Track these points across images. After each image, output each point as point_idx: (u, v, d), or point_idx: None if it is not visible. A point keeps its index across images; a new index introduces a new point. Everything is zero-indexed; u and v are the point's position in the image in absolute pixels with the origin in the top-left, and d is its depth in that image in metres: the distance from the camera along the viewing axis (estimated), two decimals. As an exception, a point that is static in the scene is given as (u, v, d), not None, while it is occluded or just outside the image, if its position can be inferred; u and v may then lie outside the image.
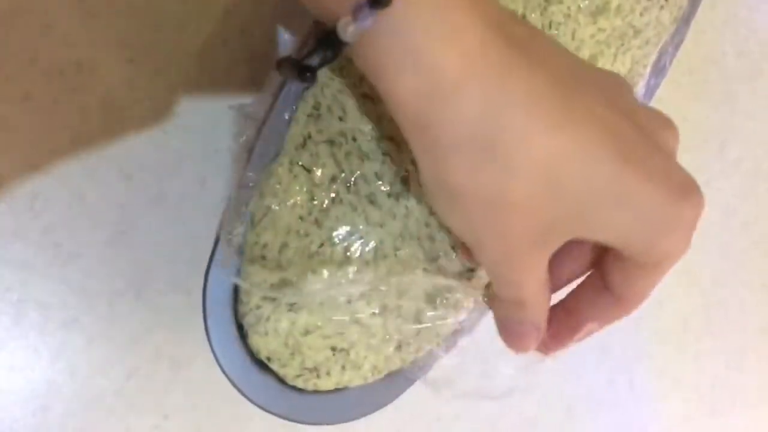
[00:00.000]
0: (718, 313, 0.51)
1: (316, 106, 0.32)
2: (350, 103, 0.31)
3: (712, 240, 0.51)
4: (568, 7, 0.34)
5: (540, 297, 0.27)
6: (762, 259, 0.52)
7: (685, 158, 0.49)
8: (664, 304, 0.50)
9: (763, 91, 0.52)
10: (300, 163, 0.31)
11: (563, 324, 0.28)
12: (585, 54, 0.35)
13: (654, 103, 0.45)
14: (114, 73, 0.37)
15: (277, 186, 0.31)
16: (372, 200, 0.31)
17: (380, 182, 0.31)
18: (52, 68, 0.36)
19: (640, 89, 0.39)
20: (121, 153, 0.37)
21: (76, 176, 0.36)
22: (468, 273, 0.34)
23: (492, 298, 0.28)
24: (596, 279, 0.28)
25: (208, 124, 0.38)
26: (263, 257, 0.31)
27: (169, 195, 0.37)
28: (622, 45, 0.37)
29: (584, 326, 0.28)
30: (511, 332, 0.27)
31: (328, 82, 0.32)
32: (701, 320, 0.51)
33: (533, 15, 0.33)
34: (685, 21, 0.41)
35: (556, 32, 0.34)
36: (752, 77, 0.52)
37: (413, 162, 0.31)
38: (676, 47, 0.43)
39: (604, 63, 0.36)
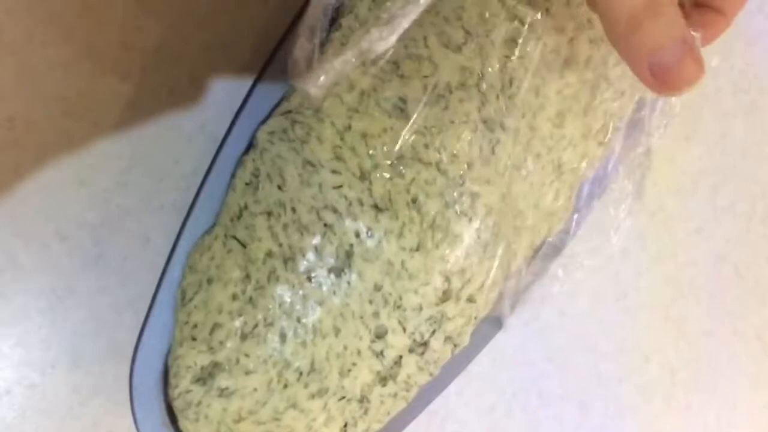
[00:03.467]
0: (708, 365, 0.48)
1: (255, 173, 0.30)
2: (290, 170, 0.29)
3: (701, 288, 0.48)
4: (531, 62, 0.31)
5: None
6: (757, 309, 0.49)
7: (672, 203, 0.47)
8: (649, 358, 0.47)
9: (761, 126, 0.49)
10: (235, 237, 0.29)
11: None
12: (551, 112, 0.32)
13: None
14: (49, 128, 0.34)
15: (210, 261, 0.29)
16: (311, 277, 0.29)
17: (320, 257, 0.29)
18: (-17, 124, 0.34)
19: (616, 145, 0.36)
20: (58, 212, 0.34)
21: (8, 237, 0.34)
22: (420, 347, 0.31)
23: (619, 41, 0.23)
24: None
25: (152, 179, 0.36)
26: (193, 338, 0.29)
27: (110, 255, 0.35)
28: (594, 99, 0.34)
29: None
30: (660, 66, 0.23)
31: (268, 146, 0.29)
32: (690, 374, 0.48)
33: (490, 70, 0.31)
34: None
35: (516, 89, 0.31)
36: (748, 113, 0.49)
37: (357, 234, 0.28)
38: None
39: (572, 119, 0.33)
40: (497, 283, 0.33)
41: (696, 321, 0.48)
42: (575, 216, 0.37)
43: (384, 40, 0.28)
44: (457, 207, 0.30)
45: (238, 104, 0.33)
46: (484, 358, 0.41)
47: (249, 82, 0.34)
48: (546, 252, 0.35)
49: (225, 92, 0.37)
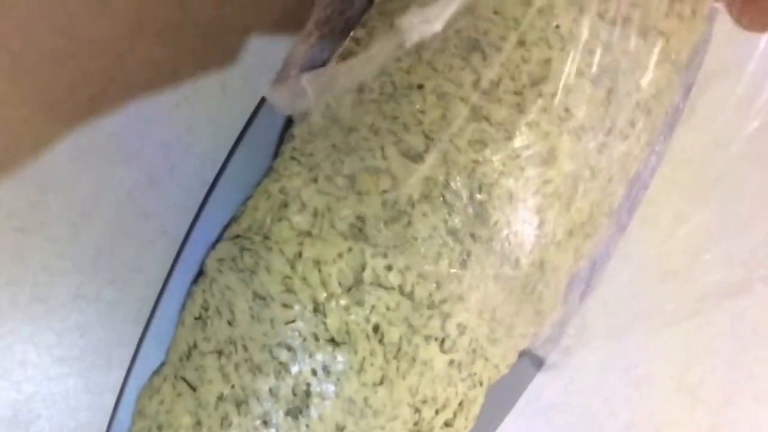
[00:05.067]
0: (728, 435, 0.45)
1: (205, 306, 0.27)
2: (240, 304, 0.27)
3: (718, 352, 0.45)
4: (503, 164, 0.28)
5: None
6: (779, 370, 0.46)
7: (683, 262, 0.43)
8: None
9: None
10: (184, 378, 0.27)
11: None
12: (528, 214, 0.29)
13: (647, 206, 0.39)
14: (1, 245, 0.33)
15: (160, 405, 0.27)
16: (266, 421, 0.27)
17: (275, 399, 0.26)
18: (-70, 251, 0.32)
19: (606, 229, 0.33)
20: (11, 335, 0.33)
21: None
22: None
23: None
24: None
25: (113, 289, 0.34)
26: (145, 491, 0.27)
27: (73, 376, 0.33)
28: (577, 192, 0.31)
29: None
30: None
31: (217, 276, 0.27)
32: (708, 445, 0.45)
33: (458, 178, 0.28)
34: (665, 138, 0.35)
35: (487, 195, 0.28)
36: (762, 159, 0.45)
37: (314, 372, 0.26)
38: (659, 158, 0.37)
39: (554, 217, 0.30)
40: (477, 399, 0.31)
41: (713, 388, 0.44)
42: (565, 310, 0.34)
43: (429, 23, 0.25)
44: (424, 331, 0.28)
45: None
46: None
47: (209, 183, 0.32)
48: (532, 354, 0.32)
49: (186, 193, 0.35)
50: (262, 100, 0.31)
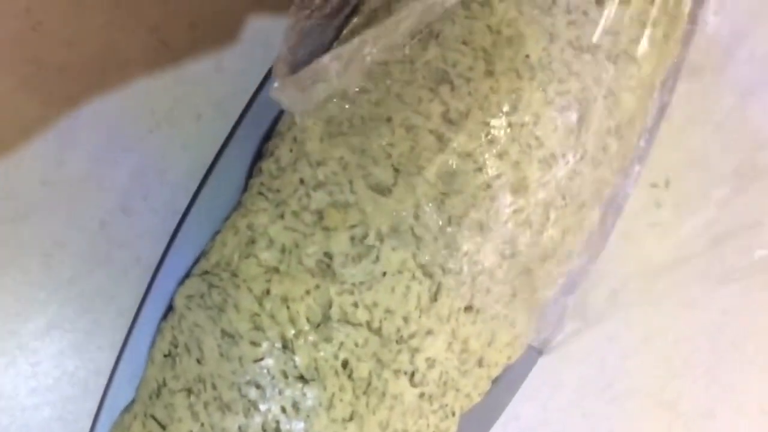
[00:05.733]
0: (709, 448, 0.45)
1: (174, 342, 0.27)
2: (208, 342, 0.27)
3: (696, 364, 0.45)
4: (473, 195, 0.28)
5: None
6: (759, 381, 0.46)
7: (663, 279, 0.43)
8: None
9: (756, 193, 0.45)
10: (154, 417, 0.27)
11: None
12: (498, 243, 0.29)
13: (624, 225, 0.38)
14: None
15: (129, 444, 0.27)
16: (236, 459, 0.26)
17: (245, 437, 0.26)
18: None
19: (580, 254, 0.33)
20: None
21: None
22: None
23: None
24: None
25: (87, 318, 0.34)
26: None
27: (48, 407, 0.33)
28: (548, 219, 0.31)
29: None
30: None
31: (185, 313, 0.27)
32: (688, 459, 0.45)
33: (428, 211, 0.28)
34: (639, 160, 0.35)
35: (457, 227, 0.28)
36: (741, 176, 0.45)
37: (284, 409, 0.26)
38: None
39: (525, 246, 0.30)
40: (450, 429, 0.31)
41: (693, 401, 0.45)
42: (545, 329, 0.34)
43: None
44: (393, 366, 0.28)
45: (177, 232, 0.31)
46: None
47: (183, 211, 0.32)
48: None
49: (160, 221, 0.35)
50: (233, 129, 0.31)
